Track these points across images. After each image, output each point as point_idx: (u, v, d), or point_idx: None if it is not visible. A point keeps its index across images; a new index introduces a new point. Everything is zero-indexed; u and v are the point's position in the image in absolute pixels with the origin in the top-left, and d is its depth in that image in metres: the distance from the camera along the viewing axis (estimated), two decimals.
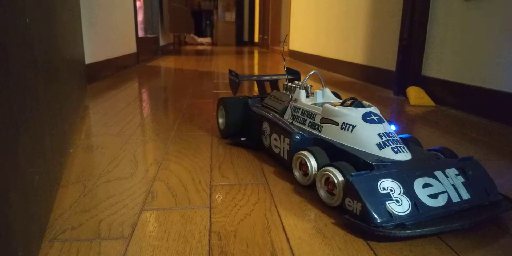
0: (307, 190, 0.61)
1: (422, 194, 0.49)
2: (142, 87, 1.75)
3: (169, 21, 4.24)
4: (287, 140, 0.66)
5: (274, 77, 0.95)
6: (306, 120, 0.67)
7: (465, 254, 0.45)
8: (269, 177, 0.67)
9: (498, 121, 1.13)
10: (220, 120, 0.89)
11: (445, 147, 0.61)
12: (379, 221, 0.46)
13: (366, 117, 0.59)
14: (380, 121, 0.59)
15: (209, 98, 1.46)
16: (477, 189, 0.52)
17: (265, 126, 0.75)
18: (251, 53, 4.57)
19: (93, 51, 1.85)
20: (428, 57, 1.48)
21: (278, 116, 0.73)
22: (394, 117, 1.19)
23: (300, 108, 0.69)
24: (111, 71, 2.16)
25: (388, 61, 1.77)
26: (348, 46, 2.29)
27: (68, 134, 0.81)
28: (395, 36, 1.66)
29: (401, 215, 0.46)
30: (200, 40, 7.13)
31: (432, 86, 1.44)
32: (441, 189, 0.50)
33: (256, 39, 6.38)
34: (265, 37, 5.24)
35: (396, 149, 0.55)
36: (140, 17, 3.53)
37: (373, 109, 0.61)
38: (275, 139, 0.70)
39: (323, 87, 0.74)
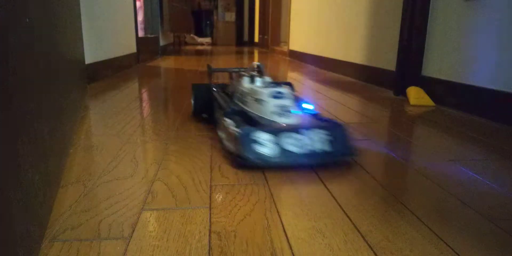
0: (307, 190, 0.61)
1: (289, 143, 0.69)
2: (142, 87, 1.75)
3: (169, 21, 4.24)
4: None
5: (242, 69, 1.10)
6: (242, 98, 0.86)
7: (465, 254, 0.45)
8: (269, 177, 0.67)
9: (498, 121, 1.13)
10: (192, 102, 1.10)
11: (329, 119, 0.82)
12: (250, 157, 0.67)
13: (274, 94, 0.78)
14: (284, 97, 0.78)
15: None
16: (337, 145, 0.71)
17: (216, 104, 0.95)
18: (251, 53, 4.57)
19: (93, 51, 1.85)
20: (428, 57, 1.48)
21: (224, 96, 0.95)
22: (393, 117, 1.20)
23: (240, 90, 0.88)
24: (111, 71, 2.16)
25: (388, 61, 1.77)
26: (348, 46, 2.29)
27: (68, 134, 0.81)
28: (395, 36, 1.66)
29: (267, 155, 0.68)
30: (200, 40, 7.13)
31: (432, 86, 1.44)
32: (307, 142, 0.70)
33: (256, 39, 6.37)
34: (265, 37, 5.24)
35: (285, 115, 0.76)
36: (140, 17, 3.53)
37: (282, 90, 0.79)
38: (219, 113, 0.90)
39: (263, 75, 0.91)
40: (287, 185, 0.64)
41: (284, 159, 0.68)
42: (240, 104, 0.86)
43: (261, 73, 0.92)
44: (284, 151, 0.68)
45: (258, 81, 0.88)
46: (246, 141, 0.68)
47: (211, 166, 0.72)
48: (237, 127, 0.73)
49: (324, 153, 0.70)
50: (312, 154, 0.69)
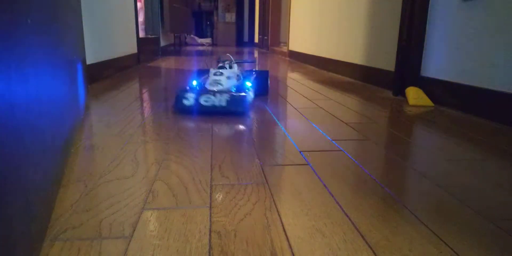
0: (307, 190, 0.61)
1: (203, 100, 1.12)
2: (143, 87, 1.75)
3: (170, 22, 4.25)
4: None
5: (239, 60, 1.57)
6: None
7: (465, 254, 0.45)
8: (269, 177, 0.67)
9: (498, 121, 1.13)
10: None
11: (246, 91, 1.20)
12: (178, 106, 1.14)
13: (215, 73, 1.25)
14: (220, 75, 1.24)
15: None
16: (232, 105, 1.13)
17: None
18: (251, 54, 4.57)
19: (94, 52, 1.85)
20: (427, 58, 1.49)
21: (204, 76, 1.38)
22: (392, 117, 1.20)
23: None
24: (112, 72, 2.17)
25: (387, 62, 1.77)
26: (348, 46, 2.29)
27: (69, 134, 0.82)
28: (394, 37, 1.67)
29: (188, 105, 1.13)
30: (200, 40, 7.13)
31: (430, 87, 1.45)
32: (214, 100, 1.12)
33: (256, 40, 6.38)
34: (265, 37, 5.24)
35: (215, 85, 1.21)
36: (140, 18, 3.53)
37: (223, 71, 1.25)
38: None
39: (232, 62, 1.35)
40: (287, 185, 0.64)
41: (196, 108, 1.14)
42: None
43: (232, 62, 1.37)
44: (197, 104, 1.14)
45: (226, 66, 1.33)
46: (179, 97, 1.15)
47: (211, 165, 0.72)
48: (183, 90, 1.19)
49: (221, 107, 1.13)
50: (213, 107, 1.13)
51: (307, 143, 0.88)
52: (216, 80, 1.22)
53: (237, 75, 1.30)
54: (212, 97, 1.12)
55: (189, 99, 1.13)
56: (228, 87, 1.21)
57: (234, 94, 1.14)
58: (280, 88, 1.80)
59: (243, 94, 1.15)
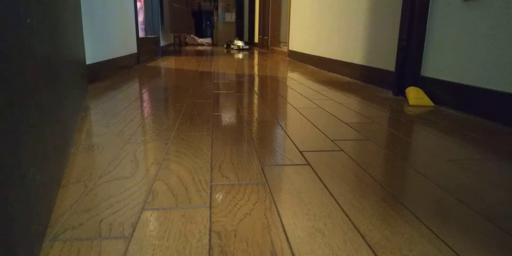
0: (306, 190, 0.61)
1: (235, 46, 5.79)
2: (142, 87, 1.75)
3: (170, 22, 4.25)
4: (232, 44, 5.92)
5: (236, 38, 6.29)
6: (232, 43, 5.95)
7: (465, 254, 0.45)
8: (269, 177, 0.67)
9: (497, 121, 1.13)
10: (225, 45, 6.39)
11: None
12: (227, 48, 6.09)
13: (237, 40, 5.82)
14: (239, 41, 5.71)
15: (209, 98, 1.46)
16: (246, 47, 5.66)
17: (229, 44, 6.12)
18: (251, 54, 4.57)
19: (94, 52, 1.85)
20: (427, 58, 1.49)
21: (230, 44, 6.10)
22: (392, 117, 1.20)
23: (233, 41, 5.90)
24: (112, 72, 2.17)
25: (388, 62, 1.77)
26: (348, 46, 2.29)
27: (69, 134, 0.82)
28: (395, 37, 1.67)
29: (231, 48, 6.04)
30: (200, 40, 7.13)
31: (431, 87, 1.45)
32: (240, 46, 5.72)
33: (256, 40, 6.38)
34: (265, 37, 5.24)
35: (239, 43, 5.70)
36: (140, 18, 3.53)
37: (240, 41, 5.76)
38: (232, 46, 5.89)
39: (240, 40, 5.86)
40: (287, 185, 0.64)
41: (231, 49, 5.59)
42: (232, 44, 5.84)
43: (240, 40, 5.79)
44: (230, 48, 5.85)
45: (237, 41, 5.74)
46: (226, 46, 6.11)
47: (211, 165, 0.72)
48: (228, 45, 6.07)
49: (243, 49, 5.56)
50: (240, 49, 5.57)
51: (307, 143, 0.88)
52: (240, 43, 5.51)
53: (242, 42, 5.52)
54: (239, 46, 5.52)
55: (231, 46, 5.79)
56: (242, 44, 5.48)
57: (244, 46, 5.54)
58: (280, 88, 1.80)
59: (246, 47, 5.55)
